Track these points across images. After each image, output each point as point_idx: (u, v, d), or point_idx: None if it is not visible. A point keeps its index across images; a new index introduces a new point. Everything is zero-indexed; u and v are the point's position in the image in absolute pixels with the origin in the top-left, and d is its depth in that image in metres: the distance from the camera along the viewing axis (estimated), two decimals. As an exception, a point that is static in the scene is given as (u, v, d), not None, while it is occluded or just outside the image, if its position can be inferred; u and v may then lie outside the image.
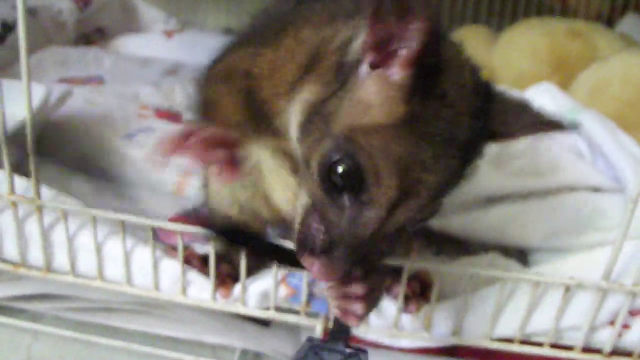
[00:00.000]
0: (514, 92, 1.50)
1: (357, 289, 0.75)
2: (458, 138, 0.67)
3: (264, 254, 0.85)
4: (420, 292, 0.99)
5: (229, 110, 0.87)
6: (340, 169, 0.65)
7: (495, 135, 0.73)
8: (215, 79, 0.90)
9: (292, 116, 0.78)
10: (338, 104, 0.69)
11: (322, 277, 0.67)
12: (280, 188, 0.92)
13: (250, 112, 0.86)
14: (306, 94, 0.75)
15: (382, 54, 0.66)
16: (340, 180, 0.66)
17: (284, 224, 0.98)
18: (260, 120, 0.85)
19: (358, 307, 0.77)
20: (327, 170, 0.66)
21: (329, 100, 0.70)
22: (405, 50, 0.64)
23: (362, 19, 0.67)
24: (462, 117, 0.67)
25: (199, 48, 2.16)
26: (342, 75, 0.71)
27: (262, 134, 0.87)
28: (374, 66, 0.67)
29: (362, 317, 0.78)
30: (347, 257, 0.66)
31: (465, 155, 0.69)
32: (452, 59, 0.70)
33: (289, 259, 0.77)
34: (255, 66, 0.84)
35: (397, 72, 0.66)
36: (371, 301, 0.78)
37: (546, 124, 0.74)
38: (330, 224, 0.67)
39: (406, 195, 0.65)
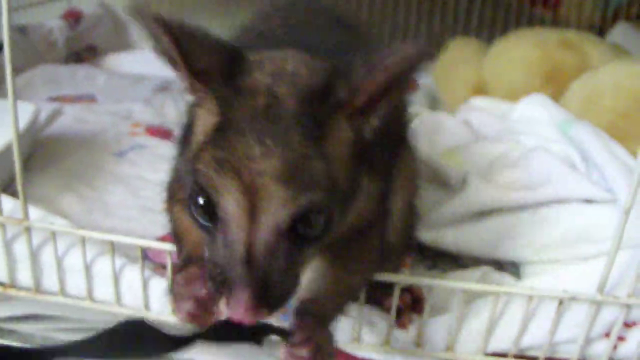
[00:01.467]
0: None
1: (301, 352, 0.72)
2: (282, 117, 0.63)
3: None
4: (411, 306, 0.98)
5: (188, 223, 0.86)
6: (199, 201, 0.65)
7: (345, 102, 0.67)
8: (169, 202, 0.91)
9: None
10: (189, 151, 0.70)
11: (233, 313, 0.63)
12: None
13: None
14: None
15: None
16: (202, 211, 0.65)
17: None
18: None
19: None
20: (192, 208, 0.66)
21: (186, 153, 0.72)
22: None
23: None
24: (280, 99, 0.64)
25: (191, 64, 2.17)
26: (188, 128, 0.73)
27: None
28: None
29: None
30: (243, 283, 0.62)
31: (308, 132, 0.64)
32: (260, 56, 0.69)
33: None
34: (179, 170, 0.86)
35: (198, 91, 0.67)
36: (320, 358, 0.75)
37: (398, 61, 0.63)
38: (214, 260, 0.65)
39: (256, 194, 0.61)
